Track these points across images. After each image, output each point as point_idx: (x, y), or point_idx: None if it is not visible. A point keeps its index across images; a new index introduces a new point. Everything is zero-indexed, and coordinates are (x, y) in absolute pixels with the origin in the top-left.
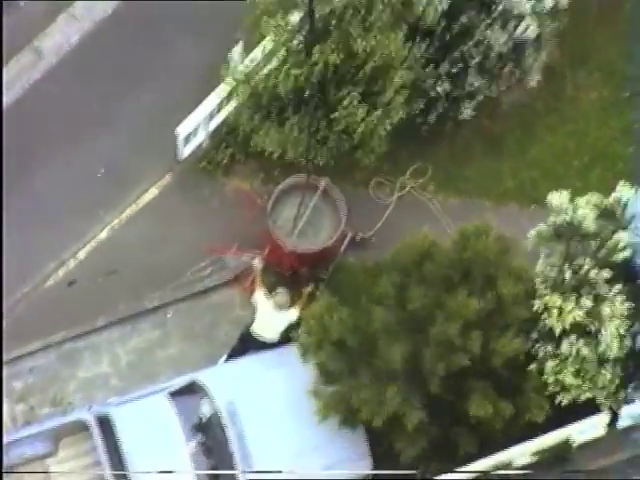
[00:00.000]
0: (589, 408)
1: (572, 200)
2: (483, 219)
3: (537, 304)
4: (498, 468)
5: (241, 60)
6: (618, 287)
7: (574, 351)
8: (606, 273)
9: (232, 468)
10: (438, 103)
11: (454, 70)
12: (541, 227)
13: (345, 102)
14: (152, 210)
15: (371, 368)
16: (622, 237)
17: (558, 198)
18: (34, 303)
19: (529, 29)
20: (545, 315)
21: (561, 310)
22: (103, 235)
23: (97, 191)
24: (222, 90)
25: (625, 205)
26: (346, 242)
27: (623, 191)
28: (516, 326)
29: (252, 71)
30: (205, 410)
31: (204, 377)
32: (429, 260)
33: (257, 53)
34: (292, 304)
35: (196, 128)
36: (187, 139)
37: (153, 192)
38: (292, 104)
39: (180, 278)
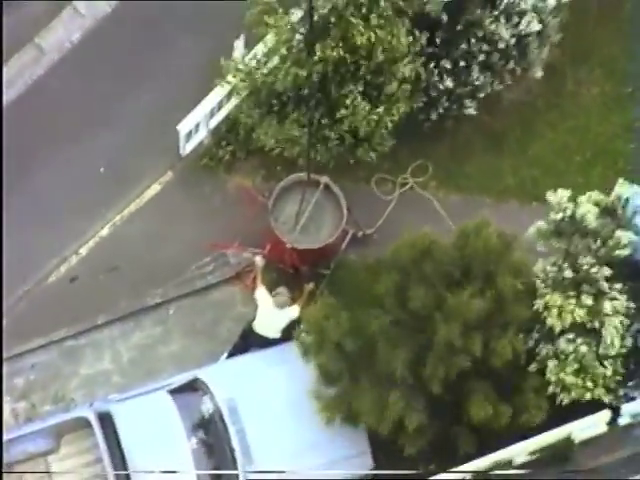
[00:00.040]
0: (590, 406)
1: (573, 197)
2: (484, 216)
3: (538, 304)
4: (499, 466)
5: (242, 56)
6: (619, 284)
7: (571, 349)
8: (607, 270)
9: (233, 465)
10: (441, 100)
11: (459, 66)
12: (541, 224)
13: (348, 101)
14: (153, 207)
15: (372, 372)
16: (623, 234)
17: (556, 196)
18: (36, 300)
19: (532, 22)
20: (545, 314)
21: (561, 309)
22: (105, 232)
23: (99, 188)
24: (223, 87)
25: (626, 202)
26: (347, 239)
27: (624, 188)
28: (516, 326)
29: (253, 68)
30: (206, 407)
31: (205, 374)
32: (429, 258)
33: (258, 50)
34: (293, 301)
35: (197, 125)
36: (188, 136)
37: (155, 189)
38: (293, 101)
39: (182, 275)
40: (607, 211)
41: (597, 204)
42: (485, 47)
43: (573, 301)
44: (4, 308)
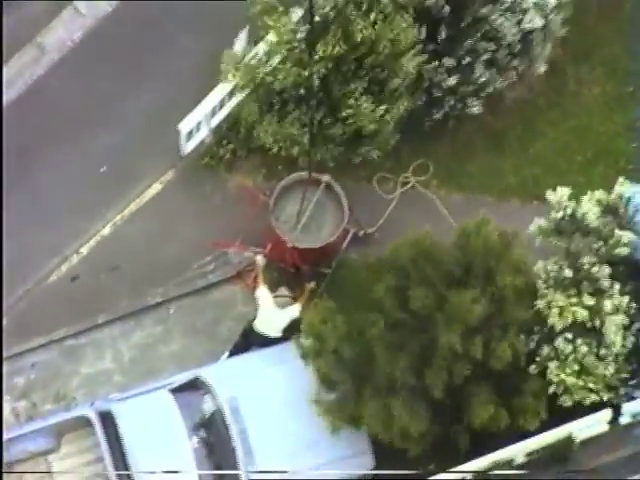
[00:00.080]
0: (591, 405)
1: (574, 196)
2: (485, 215)
3: (539, 304)
4: (499, 466)
5: (244, 50)
6: (620, 283)
7: (571, 349)
8: (608, 269)
9: (234, 464)
10: (446, 99)
11: (463, 63)
12: (541, 222)
13: (351, 100)
14: (154, 206)
15: (372, 378)
16: (624, 233)
17: (556, 195)
18: (37, 299)
19: (535, 18)
20: (547, 312)
21: (562, 309)
22: (106, 231)
23: (100, 187)
24: (224, 86)
25: (627, 201)
26: (349, 238)
27: (625, 187)
28: (517, 326)
29: (254, 66)
30: (207, 406)
31: (206, 373)
32: (429, 257)
33: (259, 49)
34: (294, 300)
35: (198, 124)
36: (189, 135)
37: (155, 188)
38: (293, 100)
39: (182, 274)
40: (608, 210)
41: (599, 202)
42: (490, 44)
43: (574, 300)
44: (4, 307)
